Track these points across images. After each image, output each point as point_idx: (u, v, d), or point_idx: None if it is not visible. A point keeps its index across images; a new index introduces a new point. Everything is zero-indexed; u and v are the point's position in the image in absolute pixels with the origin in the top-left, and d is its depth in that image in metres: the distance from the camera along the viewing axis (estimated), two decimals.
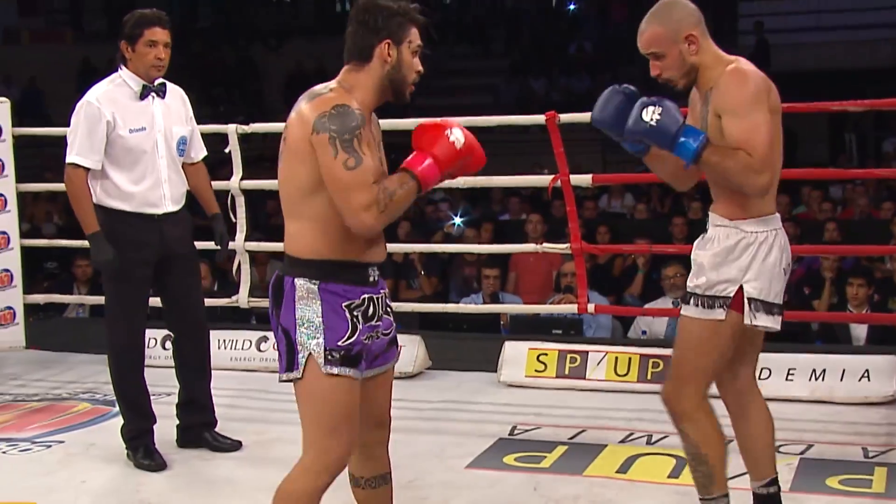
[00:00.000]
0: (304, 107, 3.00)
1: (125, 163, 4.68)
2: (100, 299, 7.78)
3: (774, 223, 3.43)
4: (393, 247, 7.56)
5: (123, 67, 4.77)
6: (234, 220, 6.26)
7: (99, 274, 9.30)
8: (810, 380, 5.44)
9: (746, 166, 3.25)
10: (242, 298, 6.33)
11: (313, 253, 3.04)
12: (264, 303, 6.60)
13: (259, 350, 6.40)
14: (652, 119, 3.27)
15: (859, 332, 7.12)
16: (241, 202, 6.30)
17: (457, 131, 3.10)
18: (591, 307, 5.94)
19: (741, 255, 3.38)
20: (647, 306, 7.32)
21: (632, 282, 8.81)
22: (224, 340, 6.48)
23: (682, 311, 3.51)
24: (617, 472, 4.50)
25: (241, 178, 6.28)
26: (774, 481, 3.71)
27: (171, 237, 4.80)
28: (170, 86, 4.87)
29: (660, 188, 11.89)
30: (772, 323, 3.42)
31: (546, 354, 5.90)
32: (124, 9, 18.85)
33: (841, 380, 5.40)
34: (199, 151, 5.05)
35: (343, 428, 3.07)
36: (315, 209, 3.02)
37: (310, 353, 3.03)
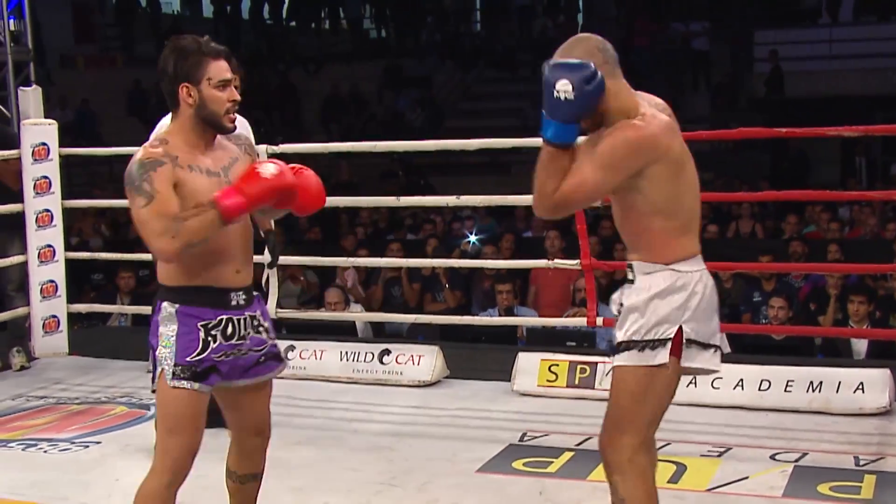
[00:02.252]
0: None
1: None
2: (141, 309, 7.92)
3: (701, 263, 3.18)
4: (417, 261, 7.66)
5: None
6: (262, 235, 6.31)
7: (141, 285, 9.48)
8: (808, 391, 5.43)
9: (544, 188, 3.02)
10: (271, 309, 6.37)
11: (174, 280, 3.24)
12: (293, 314, 6.73)
13: (287, 359, 6.42)
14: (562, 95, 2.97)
15: (860, 346, 7.11)
16: None
17: (268, 166, 3.17)
18: (599, 320, 5.96)
19: (678, 296, 3.10)
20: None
21: None
22: None
23: (614, 362, 3.18)
24: None
25: None
26: None
27: None
28: (237, 118, 4.98)
29: None
30: (708, 363, 3.18)
31: (557, 365, 5.92)
32: (172, 34, 19.00)
33: (837, 391, 5.39)
34: None
35: (182, 433, 3.26)
36: None
37: (162, 368, 3.21)
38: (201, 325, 3.22)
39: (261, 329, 3.37)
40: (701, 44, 19.18)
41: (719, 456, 4.75)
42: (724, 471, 4.54)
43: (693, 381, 5.48)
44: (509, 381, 5.96)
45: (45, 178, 6.73)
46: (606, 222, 11.22)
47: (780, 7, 19.40)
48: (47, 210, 6.76)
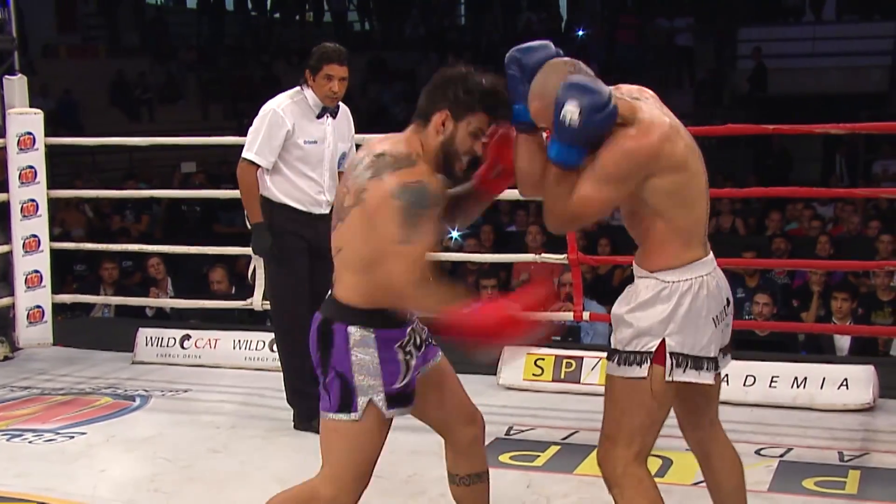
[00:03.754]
0: (386, 176, 2.93)
1: (299, 167, 5.06)
2: (125, 300, 7.91)
3: (700, 269, 3.04)
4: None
5: (307, 89, 5.07)
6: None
7: (124, 276, 9.46)
8: (792, 387, 5.46)
9: (554, 207, 3.00)
10: (257, 301, 6.36)
11: (369, 303, 3.03)
12: None
13: (272, 350, 6.41)
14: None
15: (843, 343, 7.16)
16: None
17: (517, 321, 2.92)
18: (586, 315, 5.98)
19: (661, 307, 3.01)
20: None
21: None
22: (239, 341, 6.53)
23: (606, 370, 3.15)
24: None
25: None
26: None
27: (324, 235, 4.98)
28: (341, 106, 5.20)
29: None
30: (697, 378, 3.05)
31: (543, 359, 5.93)
32: (156, 25, 18.92)
33: (821, 388, 5.42)
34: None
35: (368, 473, 3.13)
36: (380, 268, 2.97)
37: (370, 399, 3.04)
38: (398, 348, 3.08)
39: (420, 322, 3.23)
40: (685, 40, 19.23)
41: None
42: None
43: None
44: (495, 374, 5.96)
45: (31, 167, 6.71)
46: None
47: (763, 4, 19.46)
48: (32, 200, 6.74)
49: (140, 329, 6.83)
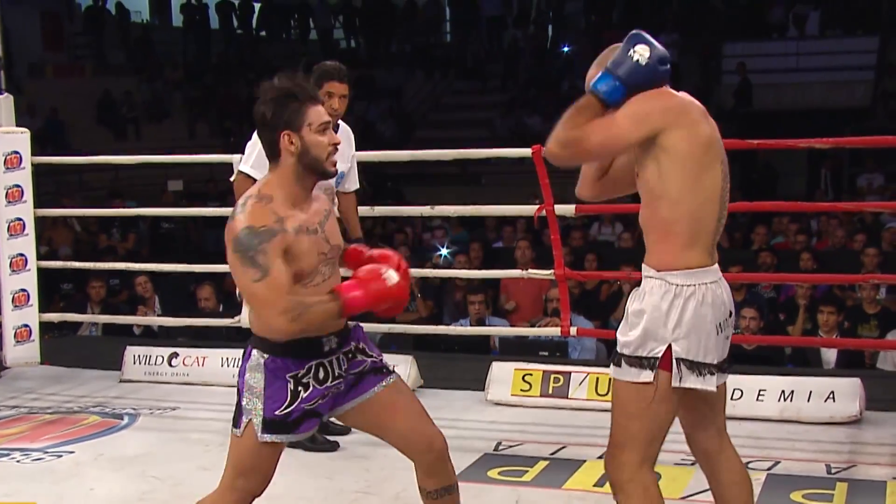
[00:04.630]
0: (228, 223, 3.07)
1: None
2: (112, 318, 7.89)
3: (705, 277, 3.07)
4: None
5: None
6: None
7: (112, 294, 9.44)
8: (779, 400, 5.48)
9: (566, 123, 3.02)
10: (244, 319, 6.36)
11: (265, 332, 3.13)
12: None
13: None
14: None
15: (829, 356, 7.18)
16: None
17: (392, 273, 3.12)
18: (573, 330, 5.99)
19: (668, 311, 3.03)
20: None
21: (617, 306, 8.86)
22: (227, 358, 6.53)
23: (611, 373, 3.17)
24: (594, 485, 4.52)
25: None
26: None
27: None
28: (342, 125, 5.15)
29: None
30: (701, 384, 3.06)
31: (531, 375, 5.94)
32: (142, 43, 18.92)
33: (808, 401, 5.44)
34: (353, 184, 5.28)
35: (255, 478, 3.25)
36: None
37: (250, 420, 3.16)
38: (290, 377, 3.14)
39: (356, 353, 3.28)
40: (670, 55, 19.18)
41: (693, 464, 4.75)
42: (697, 479, 4.54)
43: None
44: (483, 390, 5.97)
45: (17, 186, 6.70)
46: (576, 233, 11.30)
47: (748, 20, 19.55)
48: (19, 219, 6.73)
49: (128, 347, 6.82)
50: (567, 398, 5.80)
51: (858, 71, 18.17)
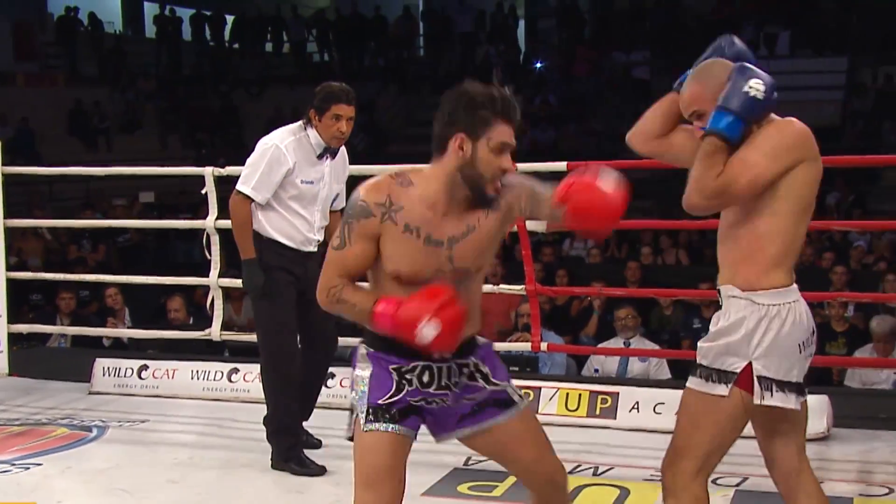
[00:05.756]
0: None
1: (292, 206, 4.92)
2: (82, 330, 7.84)
3: (789, 296, 3.05)
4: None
5: (310, 128, 4.91)
6: (208, 257, 6.31)
7: (81, 306, 9.38)
8: None
9: (706, 175, 2.98)
10: (215, 332, 6.36)
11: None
12: (237, 336, 6.70)
13: (230, 381, 6.41)
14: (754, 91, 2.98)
15: None
16: (215, 240, 6.31)
17: (428, 330, 2.85)
18: (543, 346, 6.00)
19: (753, 330, 3.01)
20: (599, 346, 7.38)
21: (587, 322, 8.89)
22: (197, 371, 6.50)
23: (687, 383, 3.15)
24: None
25: (217, 218, 6.30)
26: None
27: (313, 273, 4.96)
28: (341, 149, 5.09)
29: (616, 234, 12.00)
30: (784, 402, 3.03)
31: None
32: (114, 54, 18.85)
33: None
34: (341, 203, 5.19)
35: (381, 486, 2.96)
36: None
37: (356, 415, 3.02)
38: (393, 369, 3.00)
39: (474, 374, 3.09)
40: (642, 73, 19.41)
41: (661, 481, 4.78)
42: None
43: (636, 406, 5.57)
44: None
45: None
46: (547, 248, 11.32)
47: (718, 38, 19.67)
48: None
49: (97, 359, 6.78)
50: (537, 413, 5.78)
51: (828, 90, 18.32)
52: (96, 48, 21.66)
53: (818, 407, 5.43)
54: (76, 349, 8.28)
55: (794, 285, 3.09)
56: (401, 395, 2.99)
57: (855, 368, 7.17)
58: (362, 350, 3.06)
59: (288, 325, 4.99)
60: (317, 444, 5.22)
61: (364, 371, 3.03)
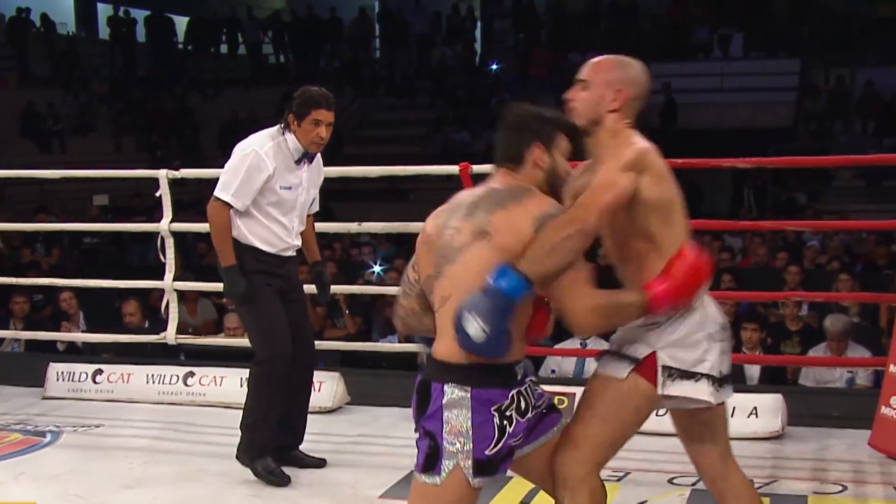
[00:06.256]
0: (512, 205, 2.89)
1: (271, 212, 4.84)
2: (35, 335, 7.77)
3: None
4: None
5: (288, 133, 4.82)
6: (163, 260, 6.27)
7: (35, 310, 9.29)
8: None
9: (570, 222, 2.87)
10: (170, 335, 6.31)
11: (461, 357, 2.86)
12: (192, 339, 6.66)
13: (186, 385, 6.37)
14: (478, 330, 2.77)
15: (753, 372, 7.27)
16: (170, 243, 6.27)
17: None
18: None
19: (661, 323, 3.03)
20: (555, 347, 7.39)
21: None
22: (152, 375, 6.45)
23: (595, 371, 3.15)
24: (521, 502, 4.53)
25: (171, 221, 6.25)
26: None
27: (292, 275, 5.04)
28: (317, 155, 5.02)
29: None
30: (691, 392, 3.03)
31: None
32: (67, 55, 18.68)
33: (731, 416, 5.43)
34: (314, 207, 5.16)
35: None
36: None
37: (457, 463, 2.87)
38: (495, 410, 2.86)
39: (537, 383, 3.05)
40: None
41: (619, 480, 4.81)
42: (623, 495, 4.60)
43: None
44: (411, 406, 5.94)
45: None
46: None
47: (673, 41, 19.83)
48: None
49: (51, 364, 6.71)
50: None
51: (781, 92, 18.51)
52: (49, 49, 21.45)
53: (773, 406, 5.48)
54: (30, 353, 8.19)
55: None
56: (503, 441, 2.89)
57: (809, 367, 7.23)
58: (456, 391, 2.87)
59: (278, 321, 4.85)
60: (319, 464, 5.07)
61: (461, 418, 2.86)
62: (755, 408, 5.48)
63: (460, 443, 2.85)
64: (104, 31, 23.77)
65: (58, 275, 10.02)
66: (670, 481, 4.79)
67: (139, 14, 22.76)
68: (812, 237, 11.72)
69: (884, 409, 5.16)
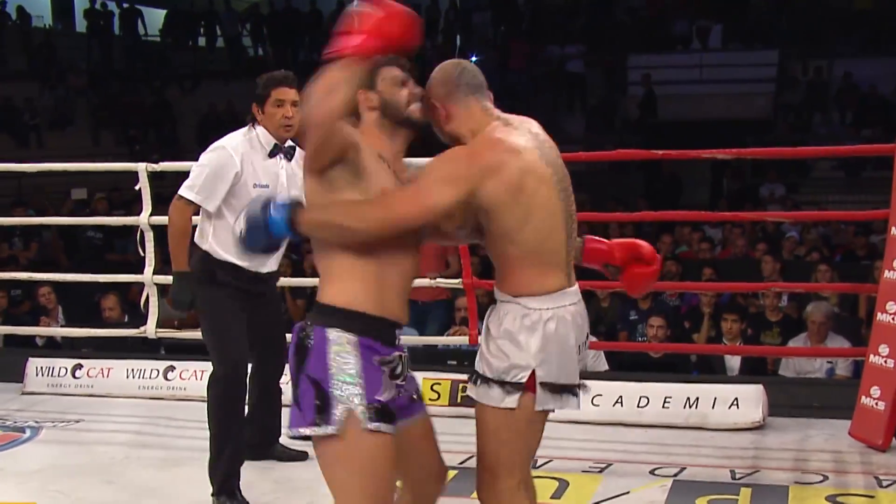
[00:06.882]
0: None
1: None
2: (13, 329, 7.73)
3: (564, 299, 3.01)
4: (302, 281, 7.54)
5: (258, 126, 4.59)
6: (142, 254, 6.23)
7: (13, 305, 9.24)
8: (685, 407, 5.55)
9: (351, 213, 2.83)
10: (150, 329, 6.28)
11: (352, 303, 2.81)
12: (172, 333, 6.62)
13: (166, 379, 6.35)
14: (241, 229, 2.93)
15: (733, 363, 7.30)
16: (149, 237, 6.23)
17: None
18: (481, 338, 5.99)
19: (530, 338, 2.94)
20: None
21: None
22: (132, 370, 6.44)
23: (470, 393, 3.05)
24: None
25: (151, 214, 6.22)
26: None
27: (268, 291, 4.80)
28: (298, 150, 4.62)
29: None
30: (565, 405, 3.03)
31: (440, 384, 5.94)
32: (44, 49, 18.53)
33: (713, 407, 5.52)
34: None
35: (385, 493, 2.84)
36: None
37: (349, 409, 2.76)
38: (378, 361, 2.81)
39: (408, 364, 2.98)
40: (576, 66, 19.49)
41: (600, 472, 4.82)
42: (605, 486, 4.61)
43: None
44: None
45: None
46: None
47: (652, 33, 19.85)
48: None
49: (30, 359, 6.69)
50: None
51: (759, 83, 18.55)
52: (25, 43, 21.31)
53: (754, 396, 5.51)
54: (8, 349, 8.14)
55: (573, 288, 3.06)
56: (393, 392, 2.84)
57: (789, 358, 7.26)
58: (341, 335, 2.79)
59: (234, 330, 4.56)
60: (300, 457, 4.98)
61: (347, 362, 2.77)
62: (736, 398, 5.51)
63: (348, 388, 2.76)
64: (81, 24, 23.64)
65: (36, 270, 9.96)
66: (652, 472, 4.80)
67: (116, 6, 22.65)
68: (791, 228, 11.75)
69: (864, 399, 5.18)
